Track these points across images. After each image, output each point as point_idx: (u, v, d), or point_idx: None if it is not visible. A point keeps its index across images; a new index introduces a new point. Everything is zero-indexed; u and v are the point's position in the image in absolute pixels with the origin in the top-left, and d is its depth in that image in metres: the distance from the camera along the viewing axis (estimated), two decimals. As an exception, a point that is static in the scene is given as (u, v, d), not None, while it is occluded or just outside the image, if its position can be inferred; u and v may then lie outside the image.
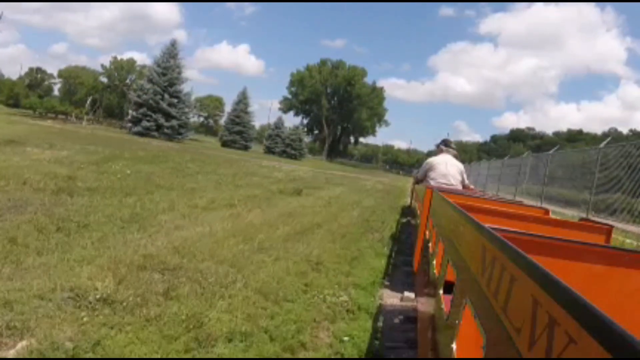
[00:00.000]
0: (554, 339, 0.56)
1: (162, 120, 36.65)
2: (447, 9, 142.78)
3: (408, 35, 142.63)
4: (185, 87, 39.46)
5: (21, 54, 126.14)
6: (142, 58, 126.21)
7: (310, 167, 30.38)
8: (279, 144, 54.71)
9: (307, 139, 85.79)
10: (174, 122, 37.29)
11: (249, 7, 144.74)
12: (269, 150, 54.14)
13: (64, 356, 2.02)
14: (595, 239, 2.32)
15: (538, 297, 0.64)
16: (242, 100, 52.59)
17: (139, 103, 37.04)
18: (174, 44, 39.13)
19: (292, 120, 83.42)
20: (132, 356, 2.12)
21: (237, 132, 50.59)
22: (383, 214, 9.38)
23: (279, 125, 58.04)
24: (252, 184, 10.77)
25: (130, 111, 38.74)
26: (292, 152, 54.17)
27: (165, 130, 36.73)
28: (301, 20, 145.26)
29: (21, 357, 1.98)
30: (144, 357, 2.14)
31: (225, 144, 48.61)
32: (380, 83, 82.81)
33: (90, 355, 2.06)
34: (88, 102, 58.56)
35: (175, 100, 37.45)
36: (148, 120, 36.47)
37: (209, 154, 23.23)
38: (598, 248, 1.63)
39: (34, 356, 1.99)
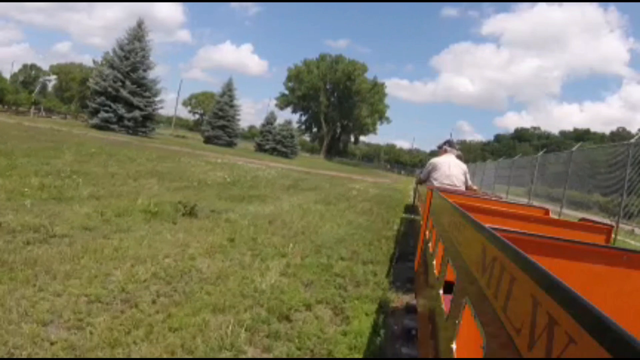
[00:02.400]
0: (554, 339, 0.56)
1: (122, 111, 31.31)
2: (449, 10, 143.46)
3: (411, 35, 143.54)
4: (151, 74, 34.03)
5: (24, 53, 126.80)
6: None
7: (294, 166, 26.65)
8: (269, 141, 49.83)
9: (307, 138, 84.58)
10: (137, 113, 31.92)
11: (253, 8, 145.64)
12: (260, 148, 49.42)
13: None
14: (595, 239, 2.32)
15: (538, 297, 0.64)
16: (227, 93, 47.01)
17: (98, 91, 31.95)
18: (140, 24, 33.61)
19: (290, 118, 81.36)
20: None
21: (220, 127, 45.30)
22: (349, 279, 3.93)
23: (270, 120, 52.32)
24: (117, 193, 6.30)
25: (88, 102, 34.31)
26: (283, 150, 49.10)
27: (127, 123, 31.51)
28: (304, 20, 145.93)
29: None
30: None
31: (208, 140, 44.23)
32: (383, 84, 79.30)
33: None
34: (37, 89, 54.27)
35: (138, 88, 32.22)
36: (107, 111, 31.18)
37: (153, 147, 19.39)
38: (598, 248, 1.62)
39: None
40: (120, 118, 31.44)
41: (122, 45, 32.78)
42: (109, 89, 31.46)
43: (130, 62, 32.28)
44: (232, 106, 46.79)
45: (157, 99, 34.30)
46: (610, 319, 0.45)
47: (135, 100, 31.91)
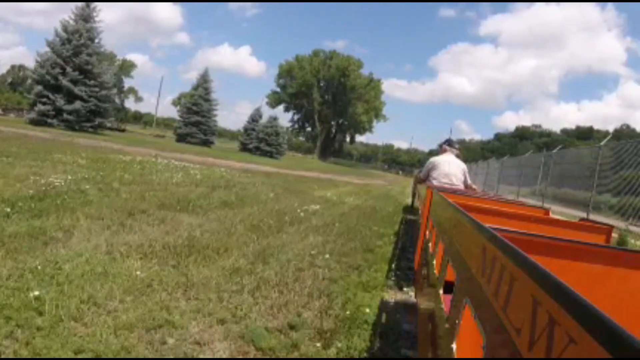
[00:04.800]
0: (554, 339, 0.56)
1: (61, 102, 26.17)
2: (447, 11, 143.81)
3: (409, 36, 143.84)
4: (98, 60, 28.85)
5: (21, 56, 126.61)
6: (144, 60, 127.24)
7: (268, 167, 22.69)
8: (253, 139, 45.68)
9: (302, 138, 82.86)
10: (78, 105, 26.48)
11: (251, 9, 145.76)
12: (245, 148, 45.30)
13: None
14: (595, 239, 2.31)
15: (538, 297, 0.64)
16: (202, 85, 41.45)
17: (36, 80, 27.25)
18: (89, 3, 28.38)
19: (282, 117, 78.02)
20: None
21: (194, 124, 40.01)
22: None
23: (255, 118, 48.09)
24: None
25: (26, 93, 29.88)
26: (267, 149, 44.52)
27: (67, 116, 26.33)
28: (302, 21, 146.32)
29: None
30: None
31: (181, 139, 39.34)
32: (382, 84, 75.47)
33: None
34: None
35: (81, 76, 26.87)
36: (44, 103, 26.20)
37: (61, 142, 15.14)
38: (598, 248, 1.63)
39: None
40: (59, 111, 26.28)
41: (66, 26, 27.31)
42: (47, 77, 26.31)
43: (72, 45, 26.77)
44: (207, 100, 41.05)
45: (105, 91, 28.64)
46: (610, 319, 0.45)
47: (77, 90, 26.66)
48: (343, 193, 13.26)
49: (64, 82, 26.35)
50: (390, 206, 11.58)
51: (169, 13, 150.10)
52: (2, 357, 1.95)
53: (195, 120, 40.21)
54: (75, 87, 26.64)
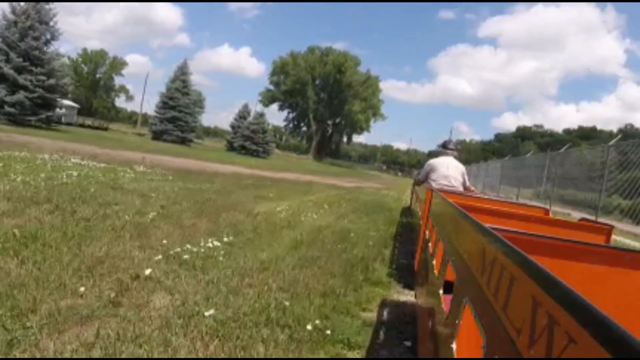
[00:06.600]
0: (554, 339, 0.56)
1: (2, 93, 22.57)
2: (446, 13, 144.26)
3: (408, 38, 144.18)
4: (52, 47, 24.93)
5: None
6: (144, 61, 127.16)
7: (240, 167, 18.73)
8: (239, 137, 42.49)
9: (299, 138, 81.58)
10: (22, 96, 22.73)
11: (252, 11, 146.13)
12: (231, 146, 42.31)
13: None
14: (595, 239, 2.31)
15: (538, 297, 0.64)
16: (179, 77, 37.44)
17: None
18: None
19: (276, 116, 74.88)
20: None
21: (170, 120, 36.08)
22: None
23: (243, 115, 44.64)
24: None
25: None
26: (253, 148, 40.96)
27: (8, 109, 22.58)
28: (301, 23, 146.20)
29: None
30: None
31: (157, 136, 36.00)
32: (380, 84, 72.75)
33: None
34: None
35: (26, 63, 23.19)
36: None
37: None
38: (598, 248, 1.63)
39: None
40: (2, 103, 22.68)
41: (14, 8, 23.69)
42: None
43: (19, 27, 23.11)
44: (186, 94, 37.32)
45: (53, 81, 24.32)
46: (610, 319, 0.45)
47: (21, 79, 22.92)
48: (311, 203, 8.91)
49: (6, 69, 22.78)
50: (377, 227, 6.85)
51: (170, 14, 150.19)
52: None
53: (171, 116, 36.03)
54: (19, 76, 23.04)
